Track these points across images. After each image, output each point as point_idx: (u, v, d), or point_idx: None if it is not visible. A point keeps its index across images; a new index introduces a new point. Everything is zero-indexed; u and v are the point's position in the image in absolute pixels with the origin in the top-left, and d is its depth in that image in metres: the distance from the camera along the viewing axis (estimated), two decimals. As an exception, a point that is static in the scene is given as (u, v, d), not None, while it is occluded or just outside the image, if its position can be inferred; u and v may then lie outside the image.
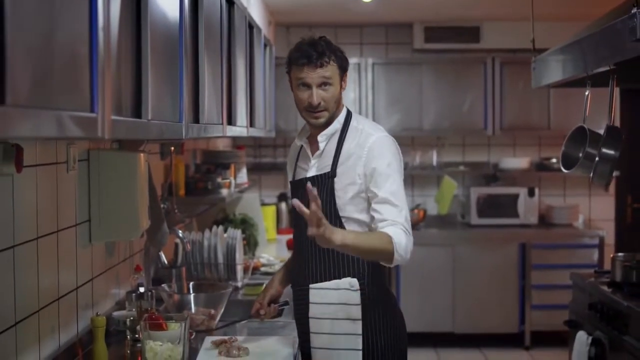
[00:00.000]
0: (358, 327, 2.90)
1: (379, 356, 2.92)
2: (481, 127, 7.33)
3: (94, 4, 1.55)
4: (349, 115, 3.03)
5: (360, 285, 2.90)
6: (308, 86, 2.90)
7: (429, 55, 7.54)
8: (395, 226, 2.80)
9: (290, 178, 3.15)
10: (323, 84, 2.90)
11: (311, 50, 2.89)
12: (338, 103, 2.97)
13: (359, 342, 2.89)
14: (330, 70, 2.90)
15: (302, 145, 3.08)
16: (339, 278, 2.91)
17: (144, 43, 2.05)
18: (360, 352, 2.89)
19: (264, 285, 3.27)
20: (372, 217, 2.88)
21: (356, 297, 2.90)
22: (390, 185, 2.86)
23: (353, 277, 2.90)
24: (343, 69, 2.97)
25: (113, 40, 1.74)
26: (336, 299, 2.91)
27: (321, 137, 2.98)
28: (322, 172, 2.96)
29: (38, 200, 2.49)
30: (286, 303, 3.16)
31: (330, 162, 2.94)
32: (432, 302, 6.95)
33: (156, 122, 2.17)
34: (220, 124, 3.33)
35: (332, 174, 2.92)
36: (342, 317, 2.90)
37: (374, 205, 2.87)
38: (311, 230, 2.56)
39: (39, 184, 2.49)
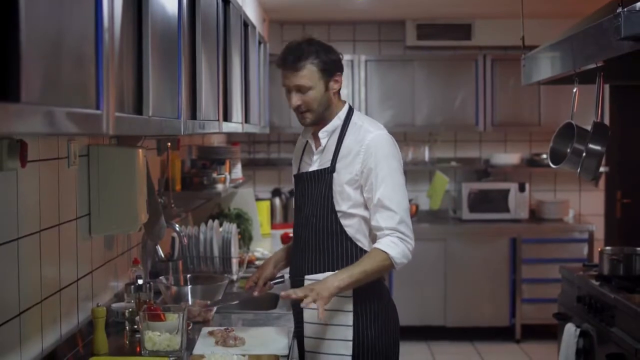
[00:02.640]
0: (349, 318, 2.97)
1: (368, 347, 2.98)
2: (473, 123, 7.40)
3: (99, 6, 1.62)
4: (350, 111, 3.08)
5: None
6: (289, 90, 2.98)
7: (421, 52, 7.61)
8: (389, 236, 2.91)
9: (294, 172, 3.22)
10: (301, 88, 2.95)
11: (288, 55, 2.94)
12: (326, 104, 3.00)
13: (349, 333, 2.97)
14: (307, 74, 2.93)
15: (307, 141, 3.15)
16: (333, 270, 2.97)
17: (145, 42, 2.12)
18: (351, 343, 2.97)
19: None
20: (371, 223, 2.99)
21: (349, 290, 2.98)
22: (385, 188, 2.92)
23: None
24: (327, 71, 2.97)
25: (116, 40, 1.81)
26: None
27: (322, 134, 3.04)
28: (322, 167, 3.03)
29: (40, 194, 2.56)
30: (282, 281, 3.22)
31: (331, 158, 3.01)
32: (424, 296, 7.03)
33: (156, 119, 2.23)
34: (216, 120, 3.40)
35: (332, 169, 2.99)
36: (334, 309, 2.98)
37: (370, 211, 2.96)
38: (305, 304, 2.81)
39: (41, 179, 2.55)
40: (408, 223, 2.95)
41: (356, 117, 3.07)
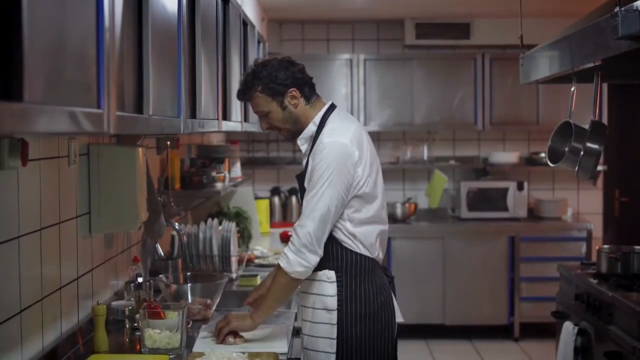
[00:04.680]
0: (333, 317, 3.00)
1: (353, 346, 3.00)
2: (471, 122, 7.41)
3: (100, 6, 1.64)
4: (327, 113, 3.10)
5: (337, 277, 3.01)
6: None
7: (419, 51, 7.62)
8: (288, 244, 2.97)
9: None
10: (260, 114, 3.08)
11: (238, 92, 3.13)
12: (293, 119, 3.07)
13: (334, 332, 2.99)
14: (257, 102, 3.06)
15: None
16: (319, 270, 3.01)
17: (145, 42, 2.13)
18: (335, 341, 2.99)
19: (258, 278, 3.36)
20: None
21: (332, 289, 3.01)
22: (307, 194, 2.96)
23: (331, 269, 3.01)
24: (276, 92, 3.03)
25: (117, 40, 1.82)
26: (315, 289, 3.03)
27: (300, 141, 3.11)
28: (302, 171, 3.10)
29: (41, 193, 2.57)
30: None
31: (305, 162, 3.08)
32: (423, 294, 7.04)
33: (156, 118, 2.25)
34: (215, 119, 3.42)
35: (304, 172, 3.06)
36: (320, 307, 3.02)
37: None
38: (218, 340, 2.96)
39: (42, 178, 2.57)
40: (310, 230, 2.90)
41: (330, 119, 3.08)
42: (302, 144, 3.09)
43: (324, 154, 2.93)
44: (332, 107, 3.12)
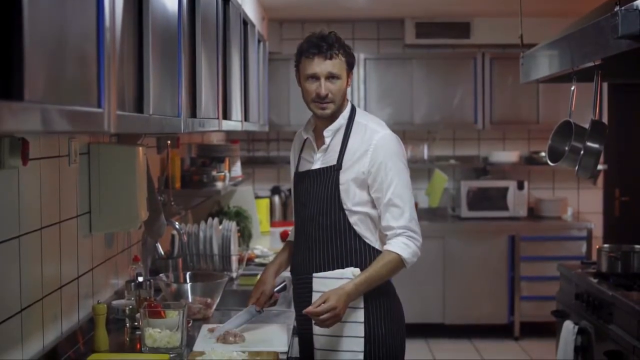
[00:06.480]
0: (360, 315, 2.98)
1: (379, 343, 3.00)
2: (471, 121, 7.41)
3: (100, 6, 1.64)
4: (353, 111, 3.11)
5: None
6: (316, 78, 2.98)
7: (420, 51, 7.62)
8: (400, 236, 2.96)
9: (293, 169, 3.24)
10: (331, 77, 2.98)
11: (321, 42, 2.98)
12: (344, 97, 3.06)
13: (360, 330, 2.98)
14: (338, 64, 2.98)
15: (307, 138, 3.16)
16: (342, 267, 2.99)
17: (145, 41, 2.13)
18: (362, 339, 2.97)
19: (258, 276, 3.33)
20: (380, 220, 3.02)
21: None
22: (395, 187, 2.97)
23: (356, 266, 2.99)
24: (350, 64, 3.04)
25: (117, 39, 1.82)
26: None
27: (327, 132, 3.06)
28: (327, 165, 3.04)
29: (42, 192, 2.57)
30: (283, 286, 3.24)
31: (336, 156, 3.02)
32: (423, 294, 7.03)
33: (156, 117, 2.25)
34: (216, 119, 3.42)
35: (338, 166, 3.00)
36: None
37: (380, 209, 2.99)
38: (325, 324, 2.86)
39: (42, 177, 2.57)
40: (416, 220, 3.02)
41: (359, 116, 3.10)
42: (328, 135, 3.06)
43: (390, 145, 3.04)
44: (354, 107, 3.14)
